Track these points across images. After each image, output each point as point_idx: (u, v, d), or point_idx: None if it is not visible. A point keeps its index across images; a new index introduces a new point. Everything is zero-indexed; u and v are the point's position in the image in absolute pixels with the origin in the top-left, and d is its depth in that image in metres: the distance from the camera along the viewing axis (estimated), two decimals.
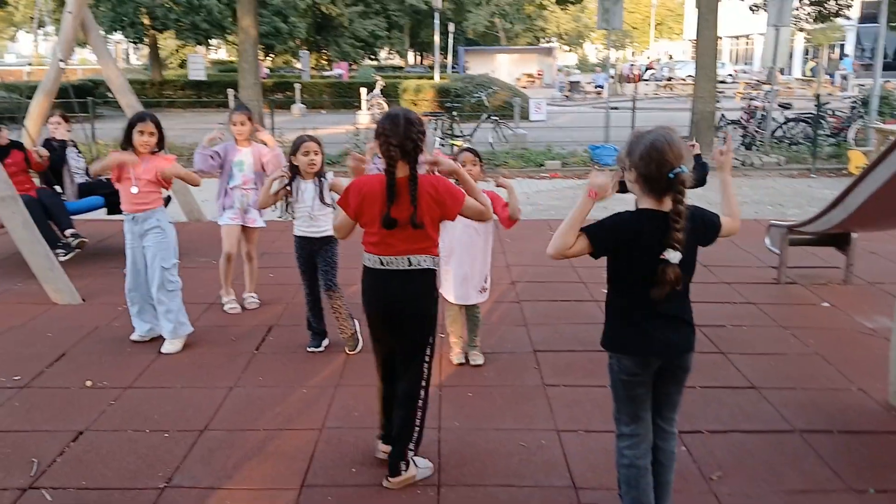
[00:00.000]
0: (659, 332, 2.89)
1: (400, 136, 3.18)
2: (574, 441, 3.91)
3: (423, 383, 3.47)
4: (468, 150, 4.60)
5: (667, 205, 2.78)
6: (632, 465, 2.99)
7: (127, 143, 5.02)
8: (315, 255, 5.02)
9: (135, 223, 5.09)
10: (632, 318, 2.91)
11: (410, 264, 3.31)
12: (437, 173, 3.41)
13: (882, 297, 6.28)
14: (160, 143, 5.13)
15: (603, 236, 2.85)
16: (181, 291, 5.22)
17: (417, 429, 3.51)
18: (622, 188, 4.02)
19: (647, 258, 2.78)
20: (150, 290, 5.15)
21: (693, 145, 3.48)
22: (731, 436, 3.97)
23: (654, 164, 2.74)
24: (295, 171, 4.92)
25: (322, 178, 4.94)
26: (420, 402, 3.48)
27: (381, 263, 3.33)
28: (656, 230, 2.76)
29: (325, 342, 5.21)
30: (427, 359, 3.46)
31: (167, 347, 5.12)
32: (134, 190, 5.01)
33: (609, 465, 3.33)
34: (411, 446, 3.50)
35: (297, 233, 5.04)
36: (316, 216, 4.94)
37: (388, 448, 3.64)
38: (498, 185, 4.35)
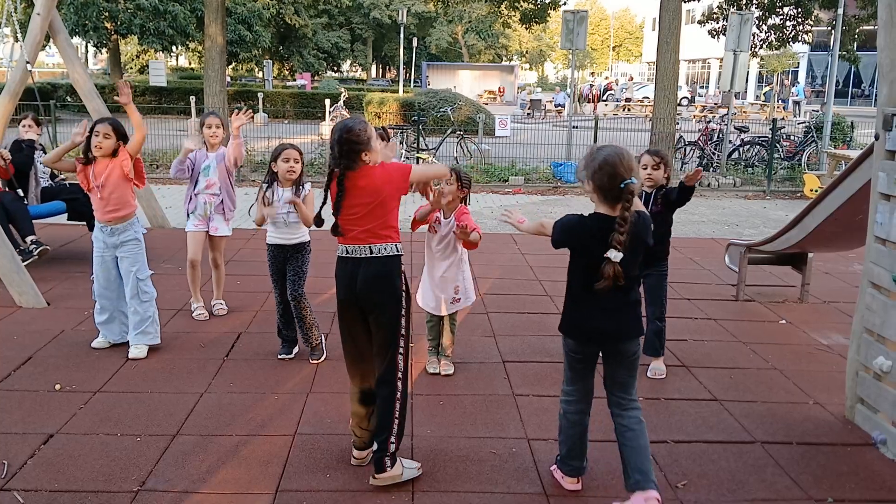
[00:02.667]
0: (595, 322, 3.32)
1: (334, 151, 3.48)
2: (544, 449, 3.99)
3: (399, 374, 3.56)
4: (457, 175, 4.62)
5: (619, 210, 3.17)
6: (565, 414, 3.54)
7: (87, 149, 4.97)
8: (286, 262, 5.05)
9: (110, 234, 5.03)
10: (577, 307, 3.37)
11: (371, 252, 3.51)
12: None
13: (836, 315, 6.50)
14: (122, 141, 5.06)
15: (558, 231, 3.32)
16: (155, 301, 5.23)
17: (397, 420, 3.56)
18: None
19: (594, 255, 3.18)
20: (122, 298, 5.12)
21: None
22: (695, 446, 4.09)
23: (606, 176, 3.16)
24: (273, 178, 4.96)
25: (300, 187, 4.99)
26: (398, 392, 3.55)
27: (347, 252, 3.56)
28: (604, 231, 3.17)
29: (296, 349, 5.23)
30: (401, 350, 3.55)
31: (134, 352, 5.08)
32: (97, 196, 4.95)
33: None
34: (392, 439, 3.54)
35: (269, 241, 5.07)
36: (290, 223, 4.98)
37: (360, 455, 3.71)
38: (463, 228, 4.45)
